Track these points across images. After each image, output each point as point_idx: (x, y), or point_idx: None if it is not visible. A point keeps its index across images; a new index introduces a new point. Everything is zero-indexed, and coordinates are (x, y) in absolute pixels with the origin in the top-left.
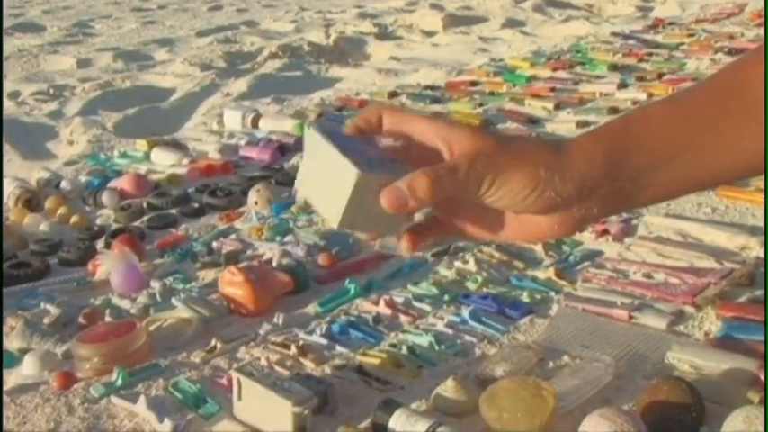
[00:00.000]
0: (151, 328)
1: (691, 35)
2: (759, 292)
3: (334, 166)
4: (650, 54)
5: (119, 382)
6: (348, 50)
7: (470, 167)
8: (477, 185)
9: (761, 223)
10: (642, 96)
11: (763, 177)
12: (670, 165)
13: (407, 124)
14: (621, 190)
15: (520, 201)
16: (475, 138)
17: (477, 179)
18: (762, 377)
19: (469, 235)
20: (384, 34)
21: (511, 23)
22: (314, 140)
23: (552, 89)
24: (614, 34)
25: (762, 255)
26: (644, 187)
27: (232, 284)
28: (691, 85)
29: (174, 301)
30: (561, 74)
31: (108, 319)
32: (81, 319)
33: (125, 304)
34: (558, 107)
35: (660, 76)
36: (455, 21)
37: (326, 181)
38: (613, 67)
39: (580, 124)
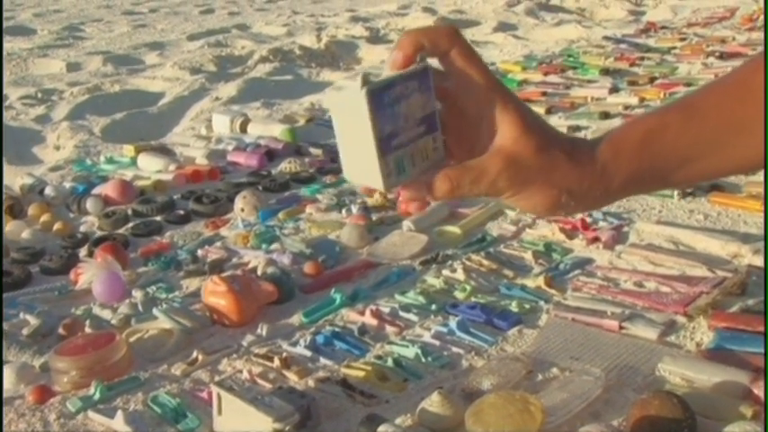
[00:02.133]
0: (132, 339)
1: (682, 39)
2: (751, 302)
3: (369, 156)
4: (642, 58)
5: (96, 396)
6: (339, 54)
7: (498, 176)
8: (497, 194)
9: (753, 230)
10: (634, 101)
11: (761, 181)
12: (677, 171)
13: (470, 73)
14: (625, 195)
15: (532, 211)
16: (519, 137)
17: (498, 190)
18: (755, 391)
19: None
20: (376, 38)
21: (503, 27)
22: (358, 107)
23: (543, 93)
24: (606, 38)
25: (754, 262)
26: (646, 190)
27: (215, 294)
28: (705, 84)
29: (155, 311)
30: (553, 78)
31: (88, 329)
32: (61, 330)
33: (106, 314)
34: (549, 111)
35: (652, 80)
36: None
37: (360, 156)
38: (605, 71)
39: (571, 129)
